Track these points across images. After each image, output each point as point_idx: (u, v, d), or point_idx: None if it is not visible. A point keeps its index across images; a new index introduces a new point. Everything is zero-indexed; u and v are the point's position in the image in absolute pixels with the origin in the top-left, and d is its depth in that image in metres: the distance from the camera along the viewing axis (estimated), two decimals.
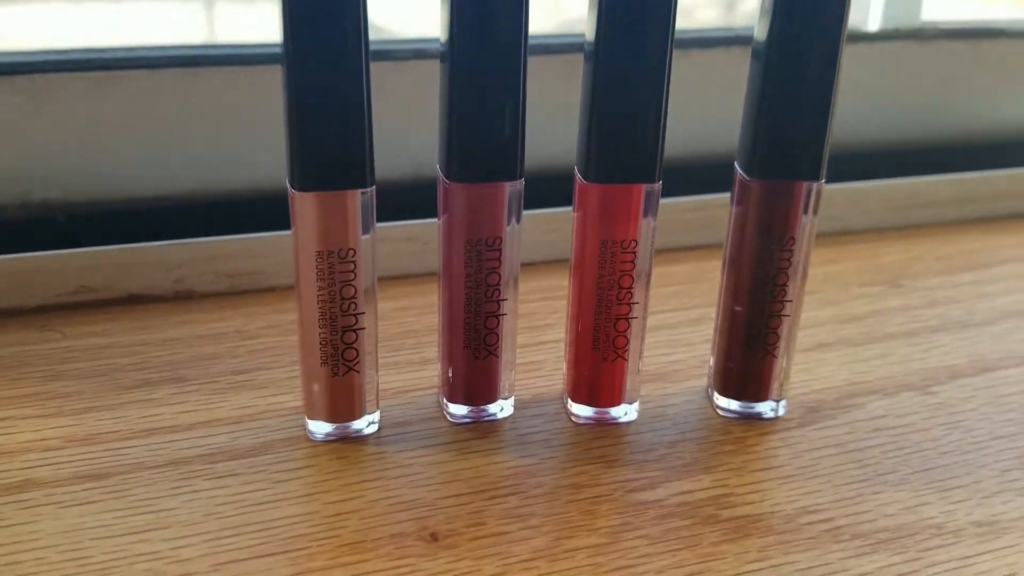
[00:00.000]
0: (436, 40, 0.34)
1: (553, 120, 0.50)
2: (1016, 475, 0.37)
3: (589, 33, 0.33)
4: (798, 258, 0.36)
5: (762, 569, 0.32)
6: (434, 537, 0.32)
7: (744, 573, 0.32)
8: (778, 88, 0.34)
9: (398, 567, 0.31)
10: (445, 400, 0.38)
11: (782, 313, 0.37)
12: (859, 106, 0.62)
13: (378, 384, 0.37)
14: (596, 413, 0.39)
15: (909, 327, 0.47)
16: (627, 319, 0.37)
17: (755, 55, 0.35)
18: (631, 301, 0.36)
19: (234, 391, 0.40)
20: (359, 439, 0.37)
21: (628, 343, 0.37)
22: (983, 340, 0.46)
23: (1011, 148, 0.66)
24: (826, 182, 0.36)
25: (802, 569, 0.32)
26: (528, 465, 0.36)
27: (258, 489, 0.34)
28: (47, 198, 0.49)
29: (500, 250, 0.35)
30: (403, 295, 0.48)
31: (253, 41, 0.52)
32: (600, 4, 0.32)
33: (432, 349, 0.43)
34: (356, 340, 0.35)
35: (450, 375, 0.38)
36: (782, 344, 0.38)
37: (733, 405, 0.39)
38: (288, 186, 0.33)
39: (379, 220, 0.34)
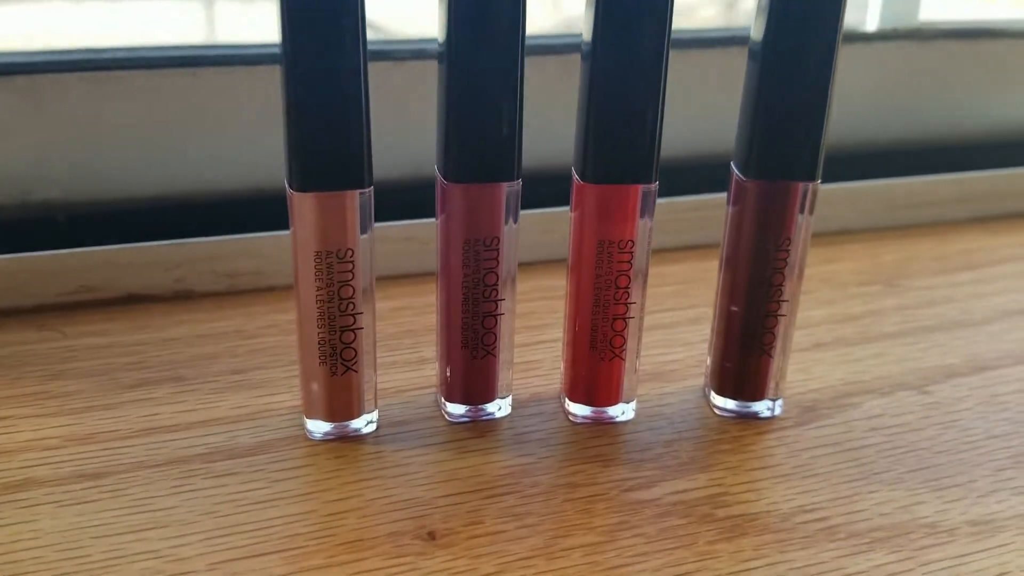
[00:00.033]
0: (435, 40, 0.34)
1: (551, 120, 0.50)
2: (1011, 474, 0.37)
3: (586, 33, 0.33)
4: (794, 258, 0.37)
5: (758, 568, 0.32)
6: (431, 536, 0.33)
7: (740, 571, 0.32)
8: (773, 89, 0.34)
9: (395, 566, 0.31)
10: (443, 399, 0.39)
11: (778, 313, 0.37)
12: (857, 106, 0.62)
13: (376, 383, 0.37)
14: (593, 412, 0.39)
15: (906, 327, 0.47)
16: (624, 319, 0.37)
17: (751, 55, 0.35)
18: (628, 301, 0.37)
19: (233, 390, 0.40)
20: (357, 438, 0.37)
21: (625, 343, 0.37)
22: (979, 340, 0.46)
23: (1008, 148, 0.66)
24: (824, 182, 0.36)
25: (797, 568, 0.32)
26: (525, 464, 0.36)
27: (256, 488, 0.34)
28: (47, 198, 0.49)
29: (498, 250, 0.36)
30: (402, 295, 0.48)
31: (253, 41, 0.53)
32: (597, 4, 0.32)
33: (430, 349, 0.43)
34: (354, 340, 0.35)
35: (448, 374, 0.38)
36: (778, 344, 0.38)
37: (730, 404, 0.39)
38: (286, 187, 0.33)
39: (379, 219, 0.34)
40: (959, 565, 0.32)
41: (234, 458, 0.36)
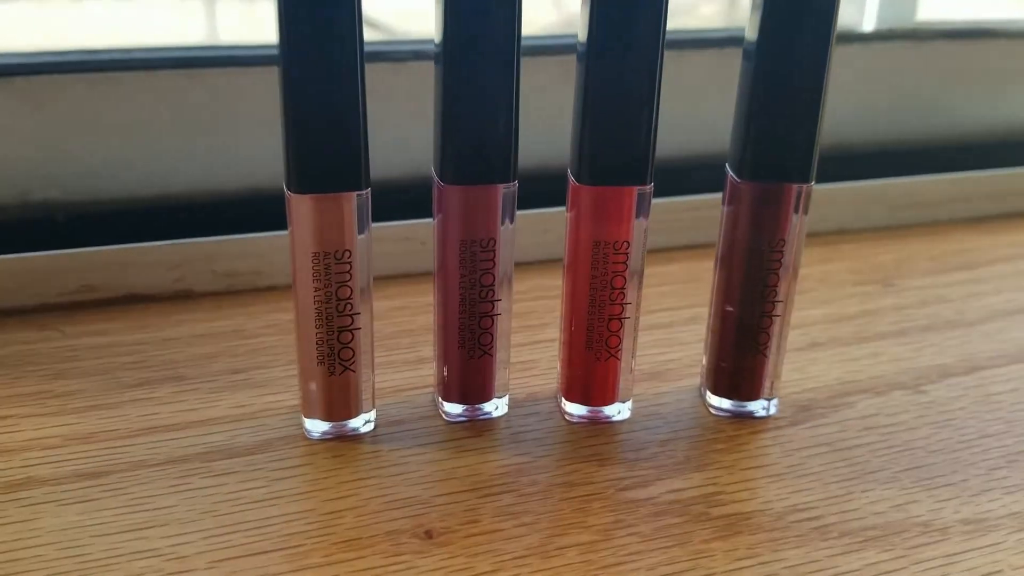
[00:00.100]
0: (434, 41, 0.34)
1: (548, 121, 0.50)
2: (1003, 473, 0.37)
3: (581, 34, 0.33)
4: (788, 259, 0.37)
5: (751, 566, 0.32)
6: (429, 534, 0.33)
7: (734, 570, 0.32)
8: (767, 90, 0.34)
9: (393, 564, 0.32)
10: (440, 399, 0.39)
11: (773, 313, 0.38)
12: (854, 106, 0.62)
13: (374, 383, 0.38)
14: (590, 412, 0.39)
15: (901, 326, 0.47)
16: (620, 319, 0.37)
17: (745, 56, 0.35)
18: (624, 301, 0.37)
19: (232, 390, 0.40)
20: (355, 438, 0.38)
21: (621, 343, 0.38)
22: (974, 339, 0.46)
23: (1004, 148, 0.66)
24: (820, 181, 0.36)
25: (791, 566, 0.32)
26: (522, 463, 0.37)
27: (255, 487, 0.35)
28: (47, 198, 0.49)
29: (494, 251, 0.36)
30: (400, 295, 0.48)
31: (253, 42, 0.53)
32: (592, 5, 0.32)
33: (428, 348, 0.43)
34: (352, 340, 0.36)
35: (445, 374, 0.38)
36: (773, 343, 0.38)
37: (725, 404, 0.40)
38: (284, 188, 0.33)
39: (378, 219, 0.35)
40: (951, 564, 0.33)
41: (233, 457, 0.36)
